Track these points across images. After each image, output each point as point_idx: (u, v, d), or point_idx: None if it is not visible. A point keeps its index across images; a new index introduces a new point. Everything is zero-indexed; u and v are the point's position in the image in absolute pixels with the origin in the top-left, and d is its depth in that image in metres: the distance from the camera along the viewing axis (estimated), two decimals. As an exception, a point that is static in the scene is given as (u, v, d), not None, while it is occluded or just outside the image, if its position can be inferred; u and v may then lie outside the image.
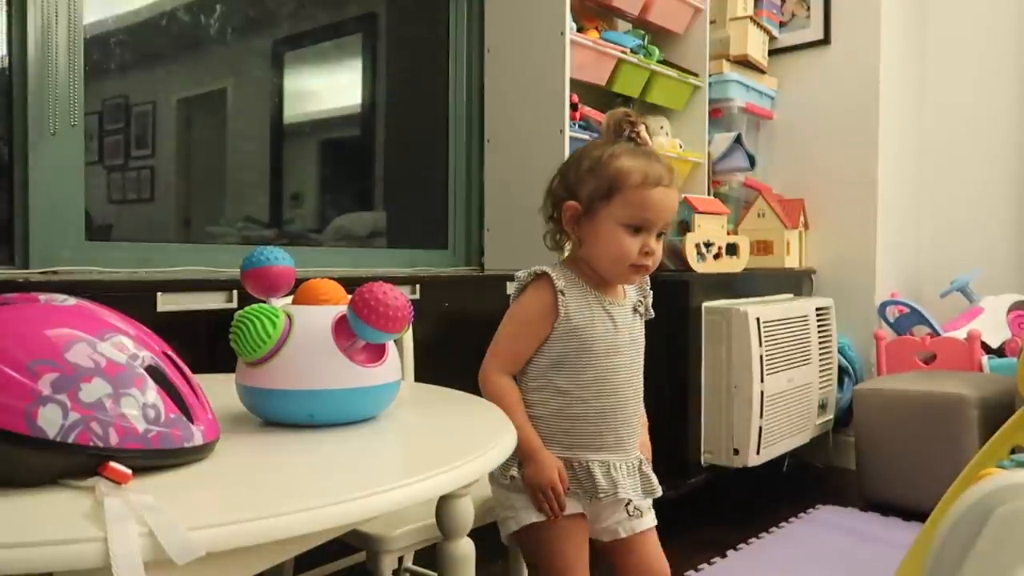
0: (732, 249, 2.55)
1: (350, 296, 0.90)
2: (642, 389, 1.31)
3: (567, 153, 2.28)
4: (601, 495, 1.22)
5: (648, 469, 1.30)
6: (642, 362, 1.30)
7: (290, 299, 1.03)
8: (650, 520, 1.31)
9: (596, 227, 1.20)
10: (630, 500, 1.26)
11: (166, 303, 1.48)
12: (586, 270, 1.25)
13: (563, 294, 1.21)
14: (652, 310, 1.33)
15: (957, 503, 1.01)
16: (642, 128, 1.24)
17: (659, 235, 1.22)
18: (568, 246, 1.30)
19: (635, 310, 1.30)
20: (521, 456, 1.20)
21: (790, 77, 3.20)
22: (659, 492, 1.30)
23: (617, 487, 1.23)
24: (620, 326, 1.25)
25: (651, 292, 1.34)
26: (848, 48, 3.05)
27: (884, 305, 2.92)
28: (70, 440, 0.64)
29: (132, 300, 1.44)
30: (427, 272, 2.17)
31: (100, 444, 0.65)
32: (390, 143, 2.50)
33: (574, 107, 2.35)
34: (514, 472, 1.21)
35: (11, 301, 0.70)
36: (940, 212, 3.17)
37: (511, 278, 2.13)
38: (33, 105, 1.60)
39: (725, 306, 2.38)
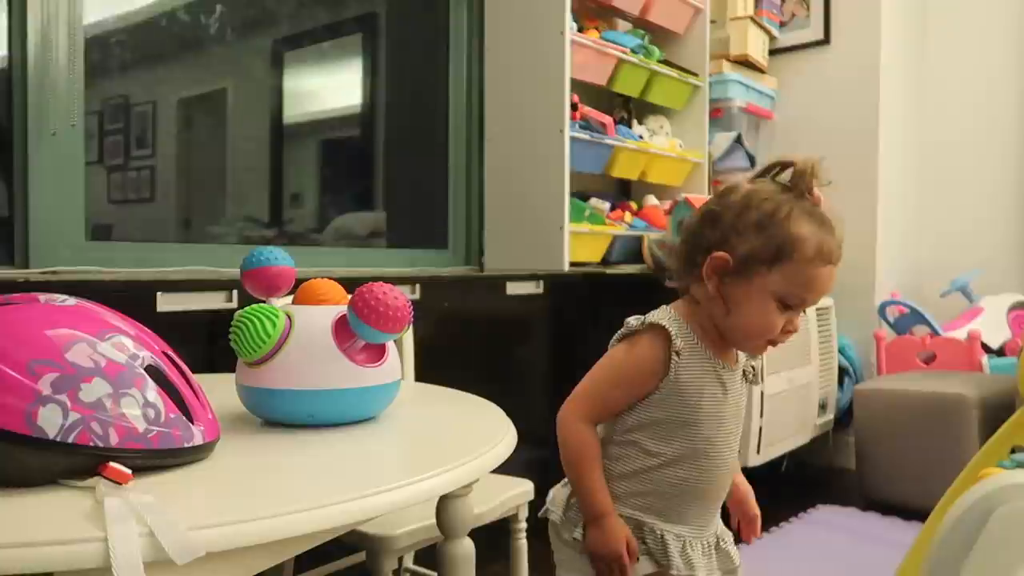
0: (732, 249, 2.55)
1: (350, 296, 0.90)
2: (737, 461, 1.15)
3: (567, 153, 2.28)
4: (673, 572, 1.06)
5: (727, 544, 1.14)
6: (740, 432, 1.14)
7: (290, 299, 1.03)
8: None
9: (747, 291, 1.02)
10: None
11: (166, 303, 1.48)
12: (708, 328, 1.07)
13: (679, 355, 1.04)
14: (760, 376, 1.18)
15: (957, 503, 1.01)
16: (814, 182, 1.05)
17: None
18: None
19: (744, 374, 1.14)
20: (587, 518, 1.06)
21: (790, 77, 3.20)
22: (738, 564, 1.14)
23: (694, 568, 1.07)
24: (729, 394, 1.09)
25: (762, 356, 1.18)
26: (848, 48, 3.05)
27: (884, 305, 2.92)
28: (70, 440, 0.64)
29: (132, 300, 1.44)
30: (427, 272, 2.17)
31: (100, 444, 0.65)
32: (390, 143, 2.50)
33: (574, 107, 2.35)
34: (578, 534, 1.07)
35: (11, 301, 0.70)
36: (940, 212, 3.17)
37: (511, 278, 2.14)
38: (33, 105, 1.60)
39: (725, 306, 2.38)
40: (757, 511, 1.20)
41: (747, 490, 1.20)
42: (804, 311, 1.07)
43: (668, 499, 1.08)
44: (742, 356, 1.13)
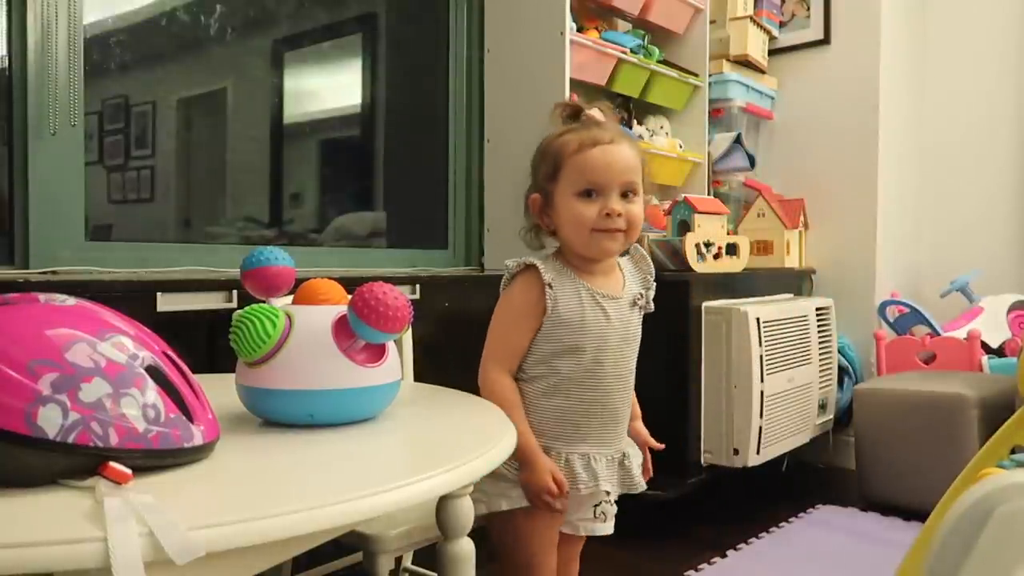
0: (732, 249, 2.55)
1: (350, 296, 0.90)
2: (633, 382, 1.28)
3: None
4: (581, 486, 1.20)
5: (631, 463, 1.26)
6: (635, 356, 1.27)
7: (290, 299, 1.03)
8: (610, 527, 1.29)
9: (556, 208, 1.20)
10: (600, 501, 1.24)
11: (166, 303, 1.48)
12: (572, 259, 1.22)
13: (551, 287, 1.18)
14: (653, 303, 1.29)
15: (957, 503, 1.01)
16: (595, 111, 1.24)
17: (626, 196, 1.18)
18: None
19: (634, 302, 1.26)
20: (518, 459, 1.17)
21: (790, 77, 3.19)
22: (640, 488, 1.27)
23: (598, 479, 1.21)
24: (613, 319, 1.21)
25: (655, 285, 1.30)
26: (848, 48, 3.05)
27: (884, 305, 2.92)
28: (70, 440, 0.64)
29: (132, 300, 1.44)
30: (427, 272, 2.17)
31: (100, 444, 0.65)
32: (390, 143, 2.50)
33: (574, 107, 2.35)
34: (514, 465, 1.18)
35: (11, 301, 0.70)
36: (940, 212, 3.17)
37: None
38: (33, 105, 1.60)
39: (725, 306, 2.38)
40: (647, 454, 1.34)
41: (643, 438, 1.35)
42: (626, 196, 1.19)
43: (568, 421, 1.20)
44: (630, 285, 1.26)
